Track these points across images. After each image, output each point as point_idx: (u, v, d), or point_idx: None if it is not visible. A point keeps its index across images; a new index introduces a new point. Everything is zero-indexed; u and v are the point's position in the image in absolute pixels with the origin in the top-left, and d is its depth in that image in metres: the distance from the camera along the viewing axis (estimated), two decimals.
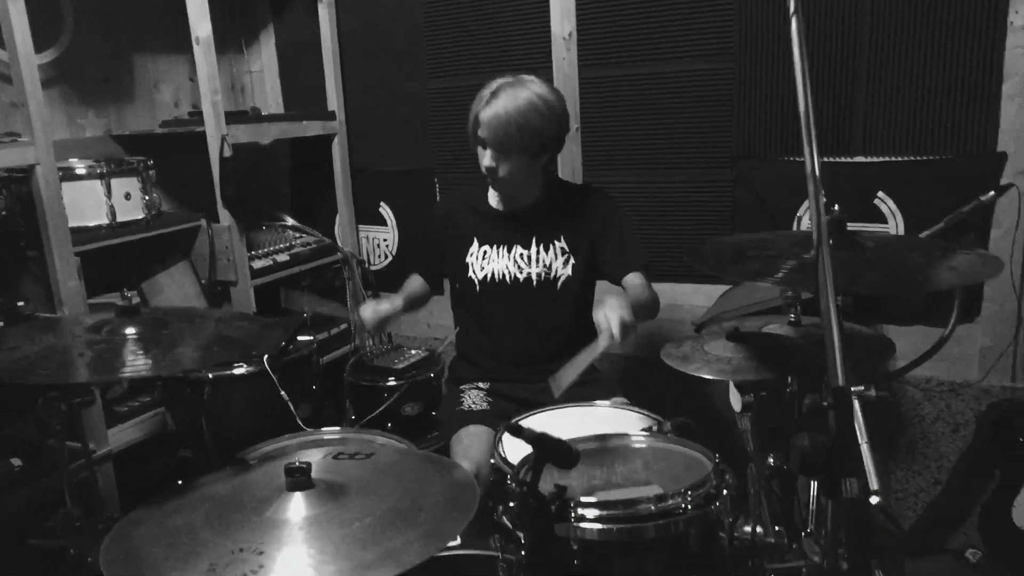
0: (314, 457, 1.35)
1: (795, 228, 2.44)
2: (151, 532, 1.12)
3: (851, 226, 2.31)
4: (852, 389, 1.12)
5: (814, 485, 1.77)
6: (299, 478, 1.18)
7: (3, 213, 2.27)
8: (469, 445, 1.86)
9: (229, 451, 1.90)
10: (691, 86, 2.52)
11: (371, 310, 1.99)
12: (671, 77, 2.55)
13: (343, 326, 3.09)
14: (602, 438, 1.46)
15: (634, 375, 2.72)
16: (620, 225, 2.08)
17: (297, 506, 1.16)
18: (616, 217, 2.09)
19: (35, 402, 1.45)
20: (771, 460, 1.70)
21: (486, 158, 1.93)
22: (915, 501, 2.43)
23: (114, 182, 2.30)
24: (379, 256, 3.23)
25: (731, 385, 1.39)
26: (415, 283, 2.21)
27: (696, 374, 1.40)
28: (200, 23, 2.46)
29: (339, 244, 3.14)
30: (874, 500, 2.12)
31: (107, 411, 2.28)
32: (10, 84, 2.29)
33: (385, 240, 3.20)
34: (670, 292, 2.70)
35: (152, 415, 2.38)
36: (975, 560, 2.26)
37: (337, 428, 1.92)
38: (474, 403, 2.03)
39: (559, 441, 1.18)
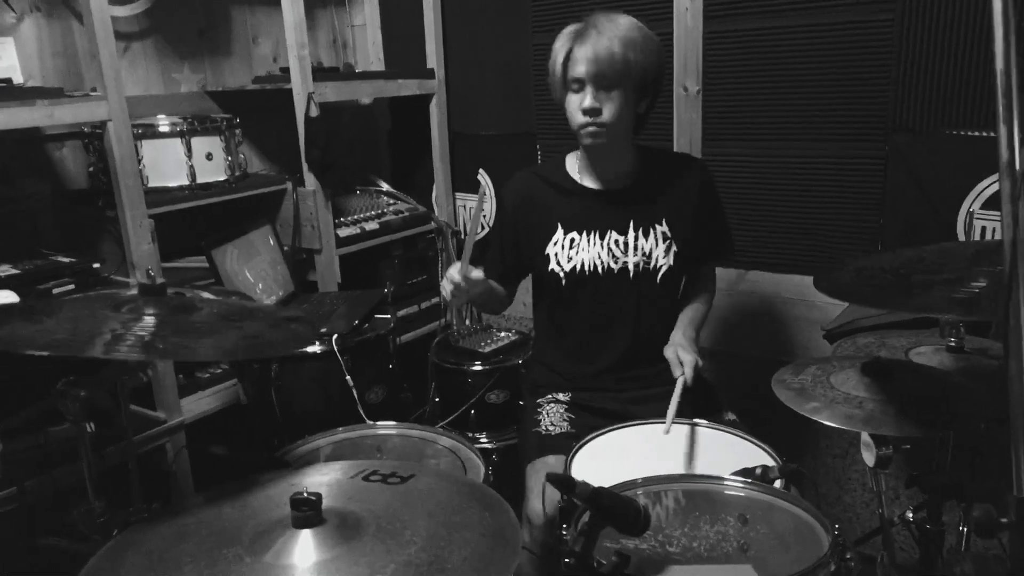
0: (340, 474, 1.17)
1: (962, 218, 2.00)
2: (132, 564, 0.97)
3: None
4: None
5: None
6: (306, 513, 0.99)
7: (91, 169, 2.23)
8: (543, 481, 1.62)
9: (299, 432, 1.75)
10: (838, 42, 2.10)
11: (458, 272, 1.65)
12: (813, 31, 2.14)
13: (434, 300, 2.92)
14: (689, 478, 1.18)
15: (744, 382, 2.39)
16: (717, 203, 1.86)
17: (303, 547, 0.97)
18: (715, 193, 1.85)
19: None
20: (909, 514, 1.36)
21: (587, 99, 1.63)
22: None
23: (195, 141, 2.19)
24: (477, 226, 3.01)
25: (863, 433, 1.07)
26: (498, 286, 1.90)
27: (813, 417, 1.08)
28: None
29: (434, 213, 2.95)
30: None
31: (189, 378, 2.21)
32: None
33: (482, 209, 2.98)
34: (797, 285, 2.33)
35: (228, 385, 2.30)
36: None
37: (394, 423, 1.73)
38: (552, 423, 1.77)
39: (623, 500, 0.91)
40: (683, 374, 1.59)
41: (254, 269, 2.24)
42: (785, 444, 1.47)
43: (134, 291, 1.52)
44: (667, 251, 1.76)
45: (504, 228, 1.88)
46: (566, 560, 0.93)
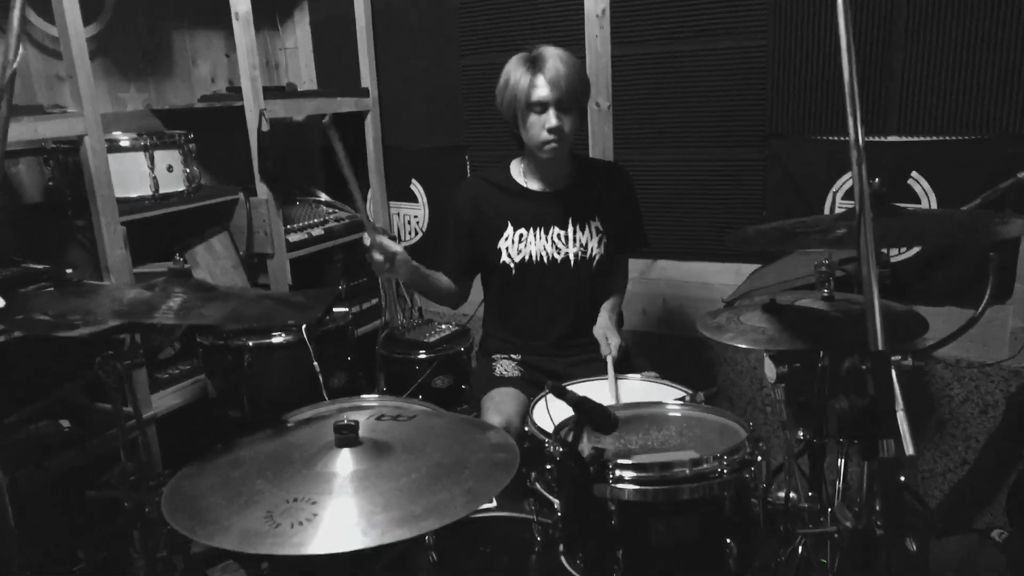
0: (358, 417, 1.41)
1: (828, 208, 2.44)
2: (207, 484, 1.18)
3: None
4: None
5: (842, 461, 1.80)
6: (347, 435, 1.23)
7: (50, 183, 2.35)
8: (500, 402, 1.91)
9: (267, 416, 1.96)
10: (723, 64, 2.52)
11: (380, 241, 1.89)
12: (703, 55, 2.55)
13: (375, 300, 3.15)
14: (638, 405, 1.49)
15: (663, 351, 2.75)
16: (636, 205, 2.21)
17: (346, 461, 1.20)
18: (635, 197, 2.20)
19: (83, 366, 1.51)
20: (801, 434, 1.73)
21: (551, 119, 1.92)
22: (942, 481, 2.44)
23: (157, 154, 2.36)
24: (410, 232, 3.27)
25: (766, 357, 1.41)
26: (439, 275, 2.16)
27: (731, 343, 1.42)
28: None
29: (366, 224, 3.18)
30: (901, 478, 2.13)
31: (150, 378, 2.35)
32: (56, 58, 2.37)
33: (416, 216, 3.24)
34: (700, 271, 2.72)
35: (192, 382, 2.45)
36: (1001, 540, 2.26)
37: (374, 395, 1.96)
38: (506, 370, 2.08)
39: (600, 406, 1.21)
40: (610, 352, 1.92)
41: (217, 272, 2.41)
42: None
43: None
44: (599, 243, 2.09)
45: (458, 227, 2.15)
46: (557, 451, 1.21)
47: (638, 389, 1.81)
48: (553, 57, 1.91)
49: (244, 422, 2.21)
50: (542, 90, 1.90)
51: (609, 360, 1.94)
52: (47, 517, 1.95)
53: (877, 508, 1.05)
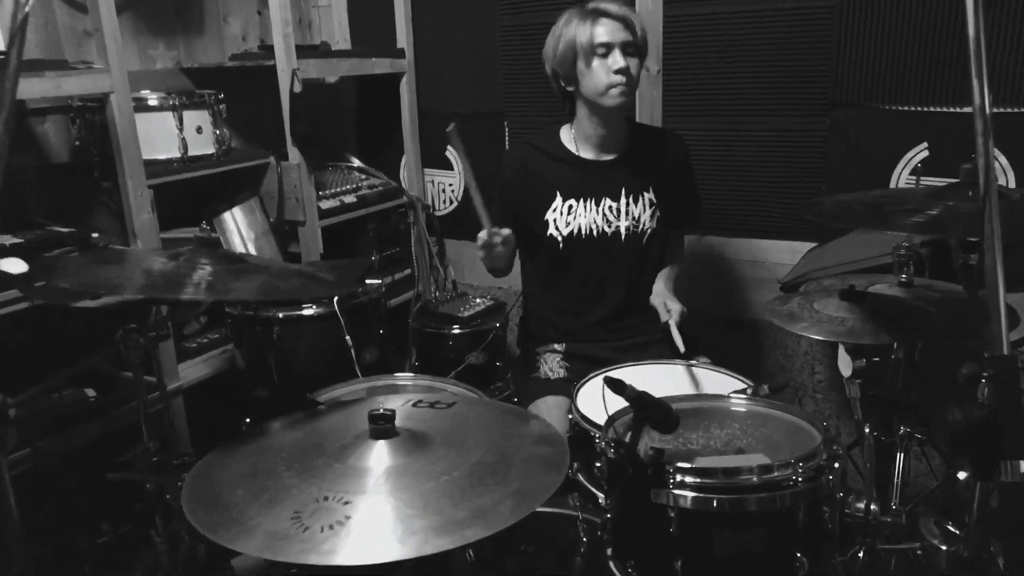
0: (394, 404, 1.30)
1: (894, 183, 2.27)
2: (232, 474, 1.09)
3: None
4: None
5: (900, 455, 1.67)
6: (383, 426, 1.13)
7: (77, 143, 2.26)
8: (548, 418, 1.79)
9: (297, 391, 1.88)
10: (785, 25, 2.34)
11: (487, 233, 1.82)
12: (763, 15, 2.36)
13: (407, 271, 3.04)
14: (698, 398, 1.37)
15: (708, 332, 2.61)
16: (691, 176, 2.08)
17: (380, 455, 1.11)
18: (689, 171, 2.07)
19: (110, 334, 1.43)
20: (867, 429, 1.59)
21: (618, 60, 1.81)
22: None
23: (186, 115, 2.25)
24: (444, 201, 3.15)
25: (840, 348, 1.28)
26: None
27: (805, 334, 1.29)
28: None
29: (405, 188, 3.07)
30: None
31: (177, 346, 2.28)
32: (82, 12, 2.26)
33: (451, 185, 3.12)
34: (750, 248, 2.57)
35: (221, 352, 2.38)
36: None
37: (408, 374, 1.86)
38: (551, 370, 1.95)
39: (660, 402, 1.09)
40: (671, 317, 1.78)
41: (248, 237, 2.32)
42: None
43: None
44: (652, 216, 1.95)
45: (504, 195, 2.03)
46: (613, 452, 1.10)
47: (692, 377, 1.68)
48: (614, 5, 1.83)
49: (273, 397, 2.13)
50: (608, 31, 1.81)
51: (673, 326, 1.82)
52: (71, 488, 1.90)
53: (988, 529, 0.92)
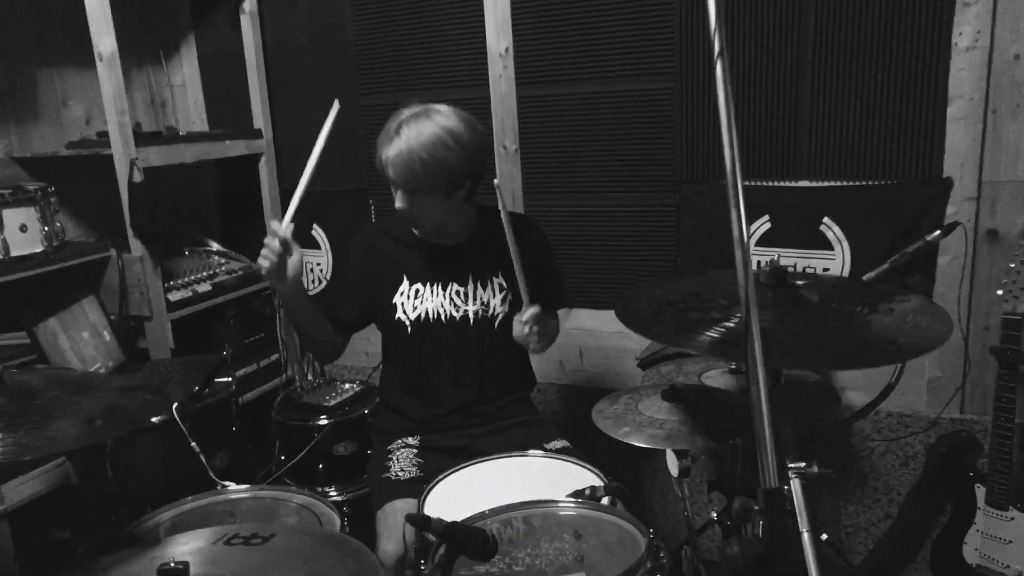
0: (203, 541, 1.21)
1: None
2: None
3: (797, 254, 2.32)
4: (791, 467, 1.02)
5: None
6: None
7: None
8: (394, 524, 1.71)
9: (133, 511, 1.73)
10: (632, 106, 2.42)
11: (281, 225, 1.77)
12: (612, 96, 2.44)
13: (274, 357, 2.92)
14: (528, 505, 1.33)
15: (579, 405, 2.61)
16: (551, 261, 2.03)
17: None
18: (548, 252, 2.03)
19: None
20: (714, 515, 1.60)
21: (397, 199, 1.80)
22: (866, 535, 2.36)
23: (6, 213, 2.10)
24: (312, 281, 3.06)
25: (667, 450, 1.28)
26: (323, 318, 1.97)
27: (627, 440, 1.28)
28: (103, 37, 2.26)
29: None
30: (823, 537, 2.03)
31: None
32: None
33: (319, 264, 3.04)
34: (614, 320, 2.59)
35: (55, 466, 2.18)
36: None
37: (245, 487, 1.75)
38: (402, 469, 1.87)
39: (474, 530, 1.05)
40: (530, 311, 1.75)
41: (81, 341, 2.17)
42: (611, 463, 1.67)
43: None
44: (503, 300, 1.93)
45: (349, 277, 1.98)
46: None
47: (540, 470, 1.65)
48: (407, 134, 1.73)
49: (113, 515, 1.97)
50: (388, 169, 1.76)
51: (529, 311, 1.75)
52: None
53: None
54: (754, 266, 2.30)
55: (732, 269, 1.12)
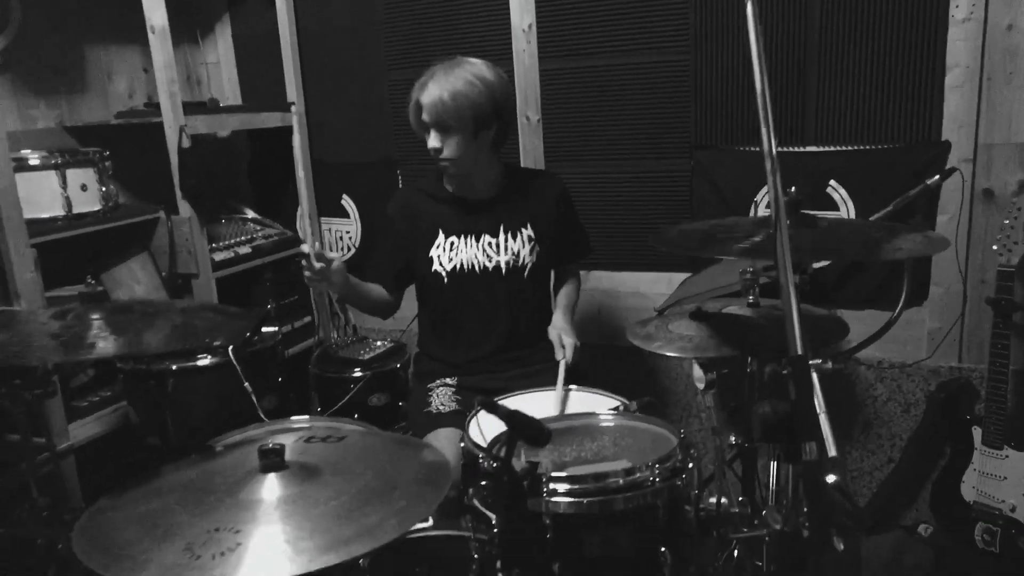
0: (286, 440, 1.36)
1: (753, 214, 2.51)
2: (123, 517, 1.12)
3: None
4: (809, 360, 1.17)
5: (774, 465, 1.83)
6: (272, 459, 1.18)
7: None
8: (440, 449, 1.86)
9: (196, 444, 1.89)
10: (649, 78, 2.57)
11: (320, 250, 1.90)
12: (630, 69, 2.59)
13: (307, 319, 3.08)
14: (571, 417, 1.49)
15: (599, 360, 2.77)
16: (574, 214, 2.20)
17: (271, 487, 1.16)
18: (571, 205, 2.20)
19: None
20: (733, 439, 1.75)
21: (430, 139, 1.95)
22: (870, 479, 2.52)
23: (69, 173, 2.25)
24: (342, 248, 3.21)
25: (694, 364, 1.43)
26: (373, 287, 2.15)
27: (659, 352, 1.44)
28: (154, 11, 2.42)
29: (301, 236, 3.12)
30: (831, 479, 2.19)
31: (67, 406, 2.23)
32: None
33: (348, 232, 3.19)
34: (632, 280, 2.75)
35: (113, 409, 2.34)
36: (927, 535, 2.35)
37: (306, 416, 1.90)
38: (443, 404, 2.03)
39: (531, 419, 1.20)
40: (564, 357, 1.91)
41: (139, 293, 2.32)
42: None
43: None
44: (532, 251, 2.09)
45: (390, 237, 2.13)
46: (492, 466, 1.19)
47: (573, 400, 1.81)
48: (438, 75, 1.92)
49: (169, 450, 2.12)
50: (423, 112, 1.93)
51: (562, 366, 1.92)
52: None
53: (804, 510, 1.07)
54: None
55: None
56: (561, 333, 2.03)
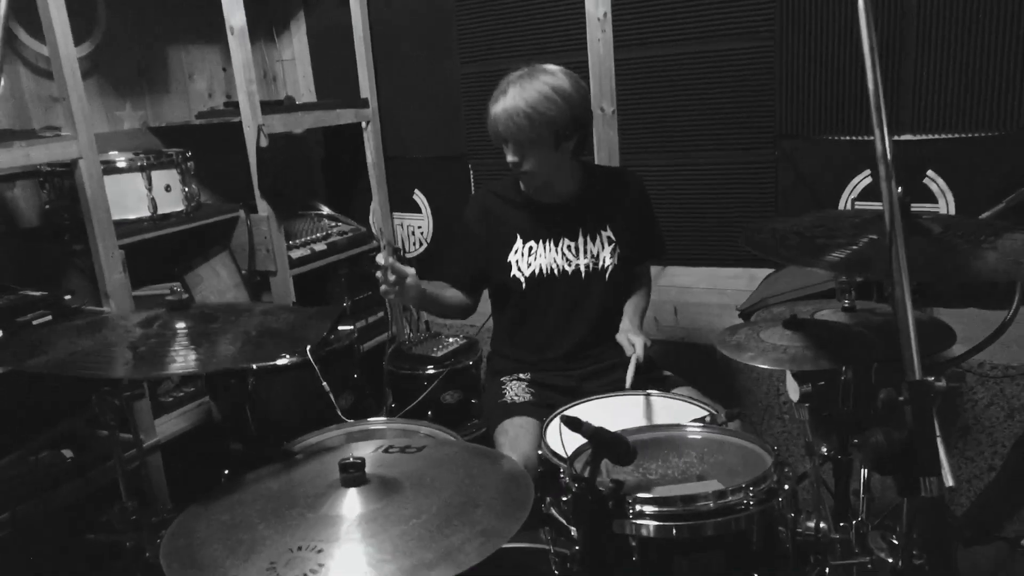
0: (365, 451, 1.35)
1: (844, 207, 2.38)
2: (209, 529, 1.12)
3: None
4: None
5: (864, 474, 1.73)
6: (353, 474, 1.17)
7: (47, 207, 2.30)
8: (515, 437, 1.84)
9: (274, 441, 1.92)
10: (730, 65, 2.46)
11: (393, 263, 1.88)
12: (709, 56, 2.48)
13: (380, 314, 3.09)
14: (656, 428, 1.43)
15: (677, 359, 2.69)
16: (651, 212, 2.14)
17: (352, 502, 1.15)
18: (648, 204, 2.13)
19: (86, 396, 1.47)
20: (824, 449, 1.66)
21: (508, 154, 1.92)
22: (968, 488, 2.37)
23: (154, 174, 2.31)
24: (414, 243, 3.22)
25: (788, 374, 1.35)
26: (444, 289, 2.13)
27: (752, 363, 1.36)
28: (234, 12, 2.45)
29: (375, 233, 3.13)
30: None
31: (153, 401, 2.30)
32: (48, 78, 2.32)
33: (420, 228, 3.19)
34: (711, 276, 2.65)
35: (197, 405, 2.41)
36: None
37: (382, 419, 1.91)
38: (517, 395, 2.01)
39: (617, 436, 1.15)
40: (635, 353, 1.85)
41: (219, 292, 2.37)
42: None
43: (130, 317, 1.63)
44: (612, 253, 2.03)
45: (468, 240, 2.11)
46: (575, 487, 1.15)
47: (656, 406, 1.75)
48: (513, 92, 1.86)
49: (250, 448, 2.16)
50: (498, 126, 1.88)
51: (632, 361, 1.88)
52: (51, 551, 1.91)
53: (915, 541, 0.99)
54: None
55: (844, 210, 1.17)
56: (628, 334, 1.98)
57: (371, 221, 3.16)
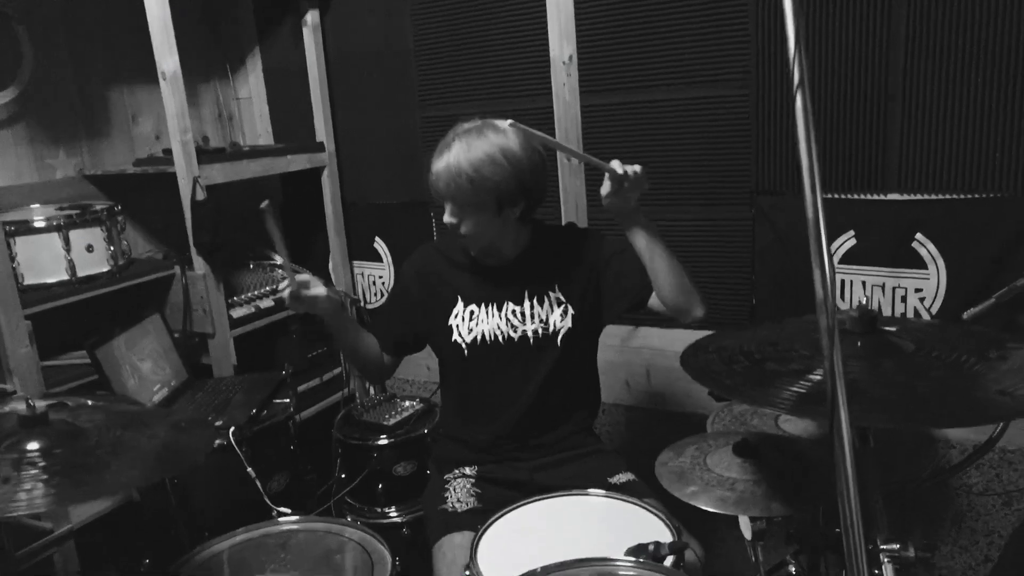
0: None
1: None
2: None
3: (886, 272, 2.13)
4: (883, 548, 0.89)
5: None
6: None
7: None
8: (452, 560, 1.64)
9: (201, 529, 1.72)
10: (703, 114, 2.28)
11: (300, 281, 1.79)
12: (681, 104, 2.30)
13: (336, 370, 2.90)
14: (586, 563, 1.24)
15: (648, 428, 2.49)
16: (621, 253, 1.83)
17: None
18: (612, 250, 1.85)
19: None
20: (792, 569, 1.46)
21: (447, 214, 1.74)
22: None
23: (73, 234, 2.13)
24: (375, 293, 3.03)
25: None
26: (371, 339, 1.95)
27: (691, 502, 1.16)
28: (165, 58, 2.27)
29: (331, 282, 2.95)
30: None
31: None
32: None
33: (381, 277, 3.01)
34: (686, 338, 2.44)
35: None
36: None
37: (297, 518, 1.70)
38: (459, 500, 1.80)
39: None
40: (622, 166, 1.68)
41: (144, 361, 2.18)
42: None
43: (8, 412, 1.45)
44: (564, 315, 1.83)
45: (401, 298, 1.93)
46: None
47: (602, 514, 1.55)
48: (457, 148, 1.68)
49: (173, 535, 1.98)
50: (436, 182, 1.72)
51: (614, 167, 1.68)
52: None
53: None
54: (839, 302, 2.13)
55: (812, 315, 0.99)
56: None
57: (331, 272, 2.98)
